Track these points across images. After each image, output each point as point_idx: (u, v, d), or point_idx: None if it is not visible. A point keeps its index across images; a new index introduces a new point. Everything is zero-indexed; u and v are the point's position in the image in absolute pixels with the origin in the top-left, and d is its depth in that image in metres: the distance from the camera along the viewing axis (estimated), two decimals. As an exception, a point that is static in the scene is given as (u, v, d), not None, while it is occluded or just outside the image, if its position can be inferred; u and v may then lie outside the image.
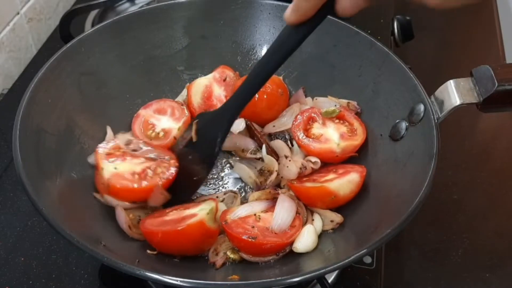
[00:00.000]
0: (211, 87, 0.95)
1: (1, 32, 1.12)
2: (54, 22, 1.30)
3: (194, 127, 0.82)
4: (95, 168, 0.82)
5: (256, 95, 0.80)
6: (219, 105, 0.93)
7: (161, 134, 0.89)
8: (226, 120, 0.79)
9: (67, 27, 1.09)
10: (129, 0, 1.31)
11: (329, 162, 0.87)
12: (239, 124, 0.90)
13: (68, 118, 0.83)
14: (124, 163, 0.80)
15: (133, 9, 1.29)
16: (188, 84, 0.98)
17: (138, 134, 0.90)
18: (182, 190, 0.81)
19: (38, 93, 0.78)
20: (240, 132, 0.90)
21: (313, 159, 0.86)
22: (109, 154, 0.81)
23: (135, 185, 0.77)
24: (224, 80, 0.96)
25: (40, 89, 0.78)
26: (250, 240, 0.72)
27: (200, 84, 0.95)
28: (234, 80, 0.96)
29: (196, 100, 0.94)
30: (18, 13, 1.16)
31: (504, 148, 1.08)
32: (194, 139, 0.82)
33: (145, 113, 0.92)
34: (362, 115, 0.91)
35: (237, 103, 0.77)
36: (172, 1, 0.97)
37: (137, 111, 0.93)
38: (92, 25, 1.24)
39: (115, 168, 0.79)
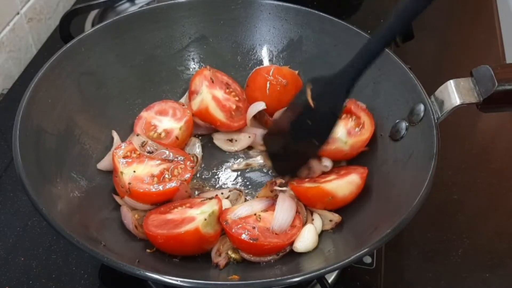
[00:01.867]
0: (215, 96, 0.93)
1: (1, 32, 1.12)
2: (54, 22, 1.30)
3: (308, 93, 0.77)
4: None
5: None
6: (233, 103, 0.94)
7: (163, 134, 0.89)
8: (345, 86, 0.74)
9: (67, 27, 1.09)
10: (129, 0, 1.31)
11: (340, 160, 0.87)
12: (259, 106, 0.93)
13: (68, 118, 0.83)
14: (142, 165, 0.81)
15: (133, 9, 1.29)
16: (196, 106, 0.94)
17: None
18: (292, 161, 0.82)
19: (38, 93, 0.78)
20: (253, 117, 0.93)
21: (326, 161, 0.85)
22: (126, 157, 0.82)
23: (157, 189, 0.78)
24: (213, 81, 0.94)
25: (40, 89, 0.78)
26: (251, 241, 0.72)
27: (208, 100, 0.91)
28: (214, 72, 0.96)
29: (220, 115, 0.92)
30: (18, 13, 1.16)
31: (504, 148, 1.08)
32: (312, 105, 0.77)
33: (147, 115, 0.92)
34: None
35: (358, 66, 0.73)
36: (172, 1, 0.97)
37: (138, 111, 0.93)
38: (92, 25, 1.24)
39: (134, 172, 0.79)
